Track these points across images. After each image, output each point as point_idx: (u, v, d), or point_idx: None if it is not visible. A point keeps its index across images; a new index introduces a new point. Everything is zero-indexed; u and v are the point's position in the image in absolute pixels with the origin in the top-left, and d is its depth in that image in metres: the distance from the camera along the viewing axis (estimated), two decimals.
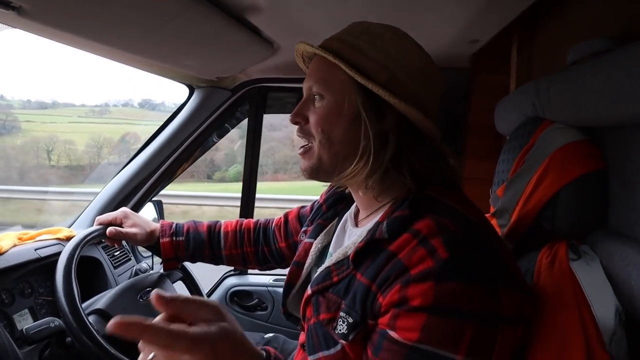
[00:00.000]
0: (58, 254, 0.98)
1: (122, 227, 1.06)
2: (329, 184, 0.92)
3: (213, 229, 1.10)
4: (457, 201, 0.63)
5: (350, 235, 0.75)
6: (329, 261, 0.69)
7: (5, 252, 0.97)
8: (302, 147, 0.71)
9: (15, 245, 1.02)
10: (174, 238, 1.06)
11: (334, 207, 0.86)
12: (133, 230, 1.06)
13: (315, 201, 1.01)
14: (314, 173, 0.70)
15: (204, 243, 1.07)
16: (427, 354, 0.53)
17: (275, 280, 1.75)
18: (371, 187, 0.66)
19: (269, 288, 1.71)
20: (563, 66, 0.85)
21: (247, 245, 1.09)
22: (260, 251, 1.09)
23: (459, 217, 0.60)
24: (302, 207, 1.08)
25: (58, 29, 0.81)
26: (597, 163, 0.73)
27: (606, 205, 0.73)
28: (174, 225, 1.08)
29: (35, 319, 1.02)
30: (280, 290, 1.70)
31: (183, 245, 1.07)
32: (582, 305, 0.63)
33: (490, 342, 0.54)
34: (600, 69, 0.66)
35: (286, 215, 1.09)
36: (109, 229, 1.05)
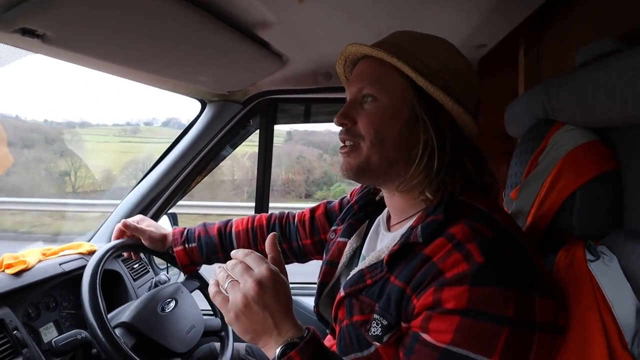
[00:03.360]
0: (81, 268, 1.01)
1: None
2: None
3: (224, 230, 1.09)
4: (490, 207, 0.64)
5: (382, 239, 0.76)
6: (362, 264, 0.70)
7: (32, 267, 1.00)
8: (347, 145, 0.70)
9: (40, 261, 1.05)
10: (187, 245, 1.08)
11: (365, 208, 0.86)
12: (147, 228, 1.10)
13: (344, 197, 1.00)
14: (359, 173, 0.69)
15: (216, 246, 1.08)
16: (460, 356, 0.53)
17: (291, 288, 1.75)
18: (432, 190, 0.65)
19: None
20: (571, 68, 0.86)
21: (261, 243, 1.06)
22: None
23: (493, 223, 0.60)
24: (329, 202, 1.05)
25: (78, 53, 0.85)
26: (610, 163, 0.73)
27: (622, 205, 0.73)
28: (185, 232, 1.10)
29: (60, 332, 1.05)
30: (296, 298, 1.72)
31: (196, 251, 1.08)
32: (602, 306, 0.63)
33: (525, 348, 0.54)
34: (611, 70, 0.67)
35: (312, 211, 1.06)
36: (124, 221, 1.09)
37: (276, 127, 1.67)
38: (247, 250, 0.63)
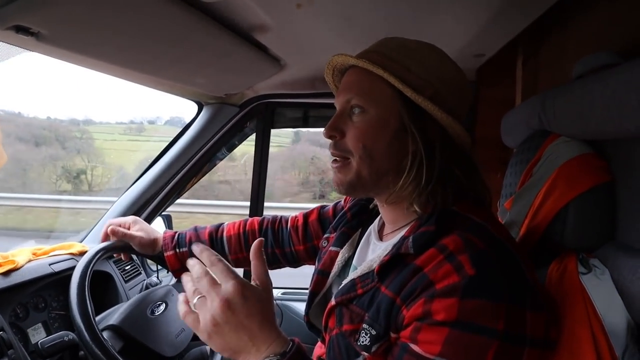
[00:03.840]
0: (71, 268, 1.00)
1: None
2: None
3: (215, 235, 1.08)
4: (484, 218, 0.63)
5: (374, 249, 0.75)
6: (354, 273, 0.69)
7: (21, 267, 0.99)
8: (337, 160, 0.69)
9: (30, 261, 1.04)
10: (177, 250, 1.07)
11: (358, 216, 0.85)
12: (137, 233, 1.08)
13: (338, 203, 0.99)
14: (351, 189, 0.69)
15: None
16: None
17: (284, 293, 1.75)
18: (421, 202, 0.64)
19: (278, 302, 1.71)
20: (568, 79, 0.86)
21: None
22: (270, 253, 1.06)
23: (486, 235, 0.59)
24: (323, 206, 1.04)
25: (74, 52, 0.84)
26: (604, 176, 0.73)
27: (615, 217, 0.72)
28: (176, 237, 1.08)
29: (48, 333, 1.03)
30: (289, 303, 1.72)
31: (187, 256, 1.04)
32: (593, 319, 0.63)
33: None
34: (606, 83, 0.67)
35: (305, 217, 1.05)
36: (111, 227, 1.08)
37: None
38: (212, 256, 0.59)
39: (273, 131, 1.69)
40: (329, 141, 0.70)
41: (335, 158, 0.70)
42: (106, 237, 1.12)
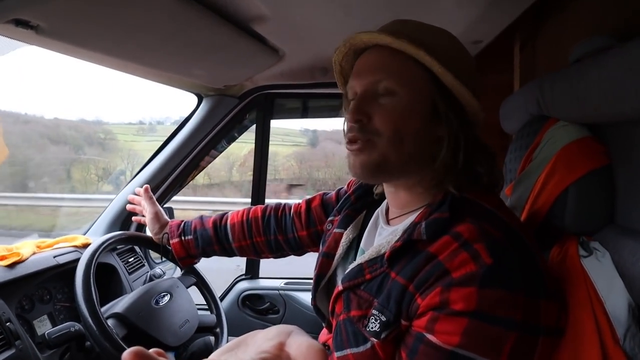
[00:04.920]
0: (75, 261, 1.01)
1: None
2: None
3: (219, 223, 1.08)
4: (495, 205, 0.62)
5: (381, 232, 0.73)
6: (361, 258, 0.68)
7: (26, 259, 1.00)
8: (359, 140, 0.64)
9: (34, 253, 1.05)
10: (183, 238, 1.08)
11: (363, 198, 0.83)
12: (156, 208, 1.15)
13: (341, 188, 0.98)
14: (375, 170, 0.64)
15: (211, 239, 1.07)
16: (466, 359, 0.52)
17: (287, 283, 1.76)
18: (440, 188, 0.63)
19: (281, 292, 1.72)
20: (566, 64, 0.85)
21: (256, 235, 1.05)
22: (273, 240, 1.05)
23: (499, 223, 0.58)
24: (325, 193, 1.03)
25: (73, 45, 0.84)
26: (603, 159, 0.73)
27: (614, 201, 0.73)
28: (182, 225, 1.10)
29: (53, 324, 1.05)
30: (292, 293, 1.73)
31: (192, 244, 1.08)
32: (594, 302, 0.63)
33: (529, 352, 0.53)
34: (603, 66, 0.66)
35: (308, 202, 1.03)
36: (139, 189, 1.20)
37: (285, 127, 1.68)
38: None
39: (285, 130, 1.69)
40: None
41: (357, 139, 0.64)
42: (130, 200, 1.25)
